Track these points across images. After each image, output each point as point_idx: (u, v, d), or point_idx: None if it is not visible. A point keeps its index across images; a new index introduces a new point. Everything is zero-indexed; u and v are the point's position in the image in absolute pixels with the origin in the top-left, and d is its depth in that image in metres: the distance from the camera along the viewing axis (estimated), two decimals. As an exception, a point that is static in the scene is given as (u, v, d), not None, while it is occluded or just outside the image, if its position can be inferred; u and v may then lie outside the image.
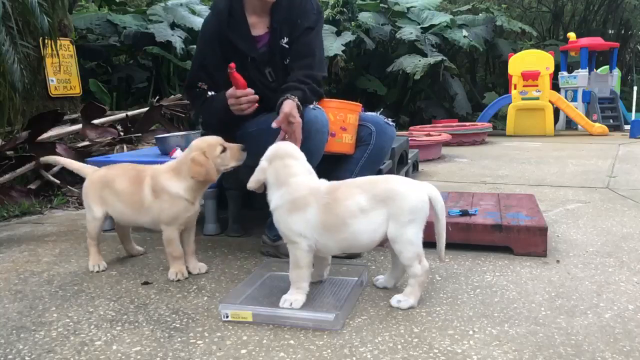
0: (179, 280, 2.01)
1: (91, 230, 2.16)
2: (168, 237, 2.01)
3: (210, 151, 1.96)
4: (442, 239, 1.74)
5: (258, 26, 2.29)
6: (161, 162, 2.25)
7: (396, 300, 1.71)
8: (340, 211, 1.64)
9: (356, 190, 1.67)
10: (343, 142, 2.22)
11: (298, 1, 2.29)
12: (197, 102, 2.33)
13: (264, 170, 1.75)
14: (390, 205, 1.64)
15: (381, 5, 9.70)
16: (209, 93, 2.27)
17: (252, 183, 1.76)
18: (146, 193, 2.01)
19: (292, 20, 2.27)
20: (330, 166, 2.23)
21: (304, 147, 2.03)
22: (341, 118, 2.19)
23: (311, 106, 2.10)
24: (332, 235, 1.66)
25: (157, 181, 2.00)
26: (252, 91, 2.09)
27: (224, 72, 2.20)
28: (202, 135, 2.76)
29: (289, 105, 1.98)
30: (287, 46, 2.28)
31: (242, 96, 2.08)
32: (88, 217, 2.16)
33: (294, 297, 1.68)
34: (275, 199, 1.73)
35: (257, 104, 2.13)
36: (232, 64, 2.04)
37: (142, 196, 2.02)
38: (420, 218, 1.65)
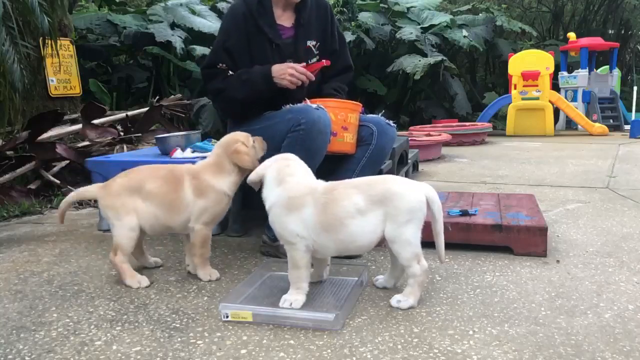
0: (209, 280, 2.01)
1: (126, 245, 1.94)
2: (204, 237, 1.98)
3: (247, 141, 2.01)
4: (440, 240, 1.74)
5: (282, 19, 2.37)
6: (162, 162, 2.25)
7: (396, 300, 1.71)
8: (337, 211, 1.64)
9: (353, 191, 1.67)
10: (345, 141, 2.22)
11: (324, 6, 2.46)
12: (217, 79, 2.32)
13: (266, 167, 1.76)
14: (388, 206, 1.63)
15: (381, 5, 9.69)
16: (230, 72, 2.29)
17: (253, 175, 1.78)
18: (186, 192, 1.95)
19: (323, 27, 2.44)
20: (331, 166, 2.23)
21: (307, 148, 2.04)
22: (342, 117, 2.19)
23: (314, 106, 2.11)
24: (329, 235, 1.66)
25: (202, 179, 1.96)
26: (313, 77, 2.23)
27: (246, 56, 2.30)
28: (202, 134, 2.77)
29: None
30: (314, 49, 2.39)
31: (304, 74, 2.18)
32: (120, 233, 1.93)
33: (294, 297, 1.68)
34: (271, 198, 1.72)
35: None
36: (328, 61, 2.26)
37: (180, 195, 1.94)
38: (417, 218, 1.65)
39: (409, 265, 1.67)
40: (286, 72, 2.16)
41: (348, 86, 2.54)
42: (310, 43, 2.38)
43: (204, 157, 2.14)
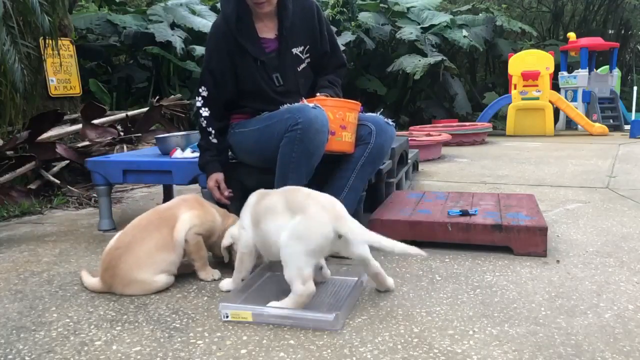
0: (213, 280, 2.01)
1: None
2: (198, 242, 2.00)
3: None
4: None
5: (264, 30, 2.32)
6: (162, 162, 2.24)
7: (272, 303, 1.64)
8: (259, 208, 1.77)
9: (276, 196, 1.76)
10: (343, 140, 2.21)
11: (310, 7, 2.37)
12: (196, 107, 2.38)
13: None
14: (295, 218, 1.62)
15: (381, 5, 9.70)
16: (203, 111, 2.32)
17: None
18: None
19: (311, 30, 2.37)
20: (330, 165, 2.23)
21: (304, 147, 2.04)
22: (340, 116, 2.18)
23: (311, 105, 2.10)
24: (255, 230, 1.77)
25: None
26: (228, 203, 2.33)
27: (230, 76, 2.30)
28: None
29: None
30: (301, 55, 2.35)
31: (219, 197, 2.33)
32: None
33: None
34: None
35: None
36: None
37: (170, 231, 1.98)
38: (310, 245, 1.58)
39: (290, 284, 1.61)
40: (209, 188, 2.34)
41: (342, 81, 2.52)
42: (297, 50, 2.34)
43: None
